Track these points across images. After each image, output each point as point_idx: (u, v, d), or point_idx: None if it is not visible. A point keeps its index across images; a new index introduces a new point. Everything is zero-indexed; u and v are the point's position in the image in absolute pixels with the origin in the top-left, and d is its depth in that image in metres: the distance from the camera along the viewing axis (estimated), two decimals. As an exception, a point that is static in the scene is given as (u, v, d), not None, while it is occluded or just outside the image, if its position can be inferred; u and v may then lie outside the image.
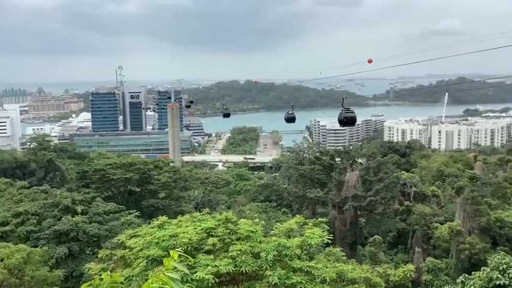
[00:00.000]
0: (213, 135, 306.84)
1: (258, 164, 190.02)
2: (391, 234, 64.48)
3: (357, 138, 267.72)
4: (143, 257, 17.90)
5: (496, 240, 61.80)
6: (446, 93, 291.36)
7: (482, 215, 61.96)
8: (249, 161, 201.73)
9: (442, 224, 60.79)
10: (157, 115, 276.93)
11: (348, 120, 19.70)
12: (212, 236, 18.79)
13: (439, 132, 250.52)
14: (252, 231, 18.84)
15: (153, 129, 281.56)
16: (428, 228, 61.59)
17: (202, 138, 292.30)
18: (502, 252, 19.94)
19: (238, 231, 19.20)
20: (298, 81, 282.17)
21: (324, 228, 20.51)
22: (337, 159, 74.62)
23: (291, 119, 29.02)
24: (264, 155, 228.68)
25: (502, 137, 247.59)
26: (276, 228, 20.82)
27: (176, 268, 3.28)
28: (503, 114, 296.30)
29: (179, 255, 3.58)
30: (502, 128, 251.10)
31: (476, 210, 61.90)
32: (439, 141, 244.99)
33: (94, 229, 44.69)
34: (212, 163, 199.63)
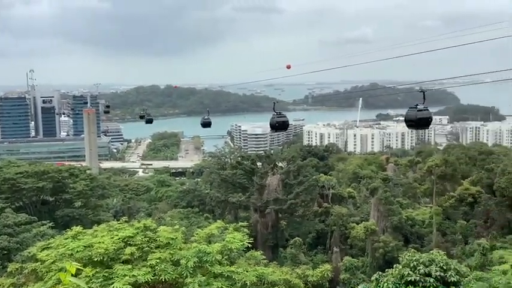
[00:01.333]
0: (133, 141, 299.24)
1: (180, 170, 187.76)
2: (310, 236, 66.13)
3: (278, 142, 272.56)
4: (56, 270, 17.00)
5: (407, 238, 65.44)
6: (360, 99, 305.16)
7: (395, 214, 65.36)
8: (170, 166, 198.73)
9: (358, 223, 63.33)
10: (72, 121, 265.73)
11: (280, 125, 19.28)
12: (130, 245, 18.23)
13: (355, 135, 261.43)
14: (172, 238, 18.53)
15: (67, 135, 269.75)
16: (346, 228, 63.91)
17: (121, 144, 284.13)
18: (413, 250, 21.12)
19: (158, 238, 18.81)
20: (219, 86, 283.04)
21: (245, 232, 20.58)
22: (259, 163, 75.39)
23: (206, 124, 28.84)
24: (186, 161, 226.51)
25: (411, 140, 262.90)
26: (197, 234, 20.62)
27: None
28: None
29: (95, 266, 3.39)
30: (412, 131, 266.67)
31: (389, 209, 65.19)
32: (355, 145, 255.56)
33: (3, 242, 42.08)
34: (132, 169, 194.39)
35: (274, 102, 19.92)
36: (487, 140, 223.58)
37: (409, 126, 15.96)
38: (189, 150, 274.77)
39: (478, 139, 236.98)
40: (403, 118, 15.79)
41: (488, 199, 66.85)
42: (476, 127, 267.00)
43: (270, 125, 19.48)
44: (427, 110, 15.07)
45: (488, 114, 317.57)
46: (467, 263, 39.48)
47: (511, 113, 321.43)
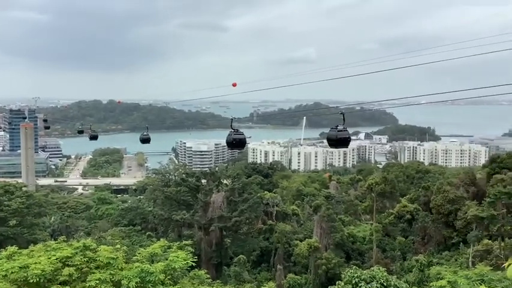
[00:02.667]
0: (73, 157, 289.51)
1: (122, 187, 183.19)
2: (255, 253, 66.06)
3: (223, 159, 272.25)
4: (-13, 293, 16.06)
5: (349, 255, 66.71)
6: (304, 117, 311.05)
7: (337, 231, 66.54)
8: (112, 183, 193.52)
9: (301, 241, 63.94)
10: (8, 135, 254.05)
11: (237, 143, 18.72)
12: (68, 265, 17.52)
13: (299, 153, 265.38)
14: (113, 258, 17.96)
15: (3, 150, 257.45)
16: (289, 245, 64.37)
17: (61, 160, 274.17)
18: (354, 267, 21.58)
19: (98, 258, 18.17)
20: (164, 102, 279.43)
21: (189, 250, 20.29)
22: (203, 180, 74.94)
23: (145, 140, 28.41)
24: (129, 177, 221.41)
25: (353, 158, 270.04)
26: (139, 253, 20.11)
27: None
28: (353, 137, 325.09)
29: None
30: (353, 150, 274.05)
31: (332, 226, 66.31)
32: (299, 162, 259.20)
33: None
34: (71, 187, 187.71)
35: (231, 119, 19.31)
36: (424, 159, 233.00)
37: (330, 145, 17.00)
38: (132, 167, 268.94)
39: (415, 158, 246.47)
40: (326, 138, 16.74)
41: (425, 216, 69.44)
42: (413, 146, 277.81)
43: (227, 142, 18.97)
44: (346, 130, 16.19)
45: (425, 134, 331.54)
46: (406, 279, 40.68)
47: (445, 134, 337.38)
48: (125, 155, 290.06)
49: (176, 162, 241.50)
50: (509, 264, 2.89)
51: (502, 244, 56.37)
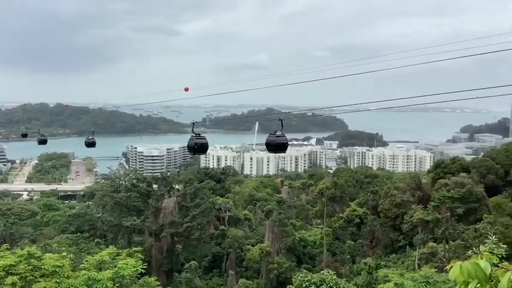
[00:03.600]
0: (18, 161, 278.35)
1: (70, 193, 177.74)
2: (206, 259, 65.70)
3: (175, 164, 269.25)
4: None
5: (300, 259, 67.47)
6: (257, 123, 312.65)
7: (289, 235, 67.20)
8: (58, 189, 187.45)
9: (253, 245, 64.13)
10: None
11: (198, 147, 18.03)
12: (12, 274, 16.85)
13: (251, 158, 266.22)
14: (59, 266, 17.42)
15: None
16: (241, 250, 64.38)
17: (5, 165, 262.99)
18: (305, 270, 21.85)
19: (43, 267, 17.58)
20: (114, 106, 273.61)
21: (139, 257, 19.96)
22: (155, 185, 73.89)
23: (90, 144, 27.72)
24: (77, 183, 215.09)
25: (304, 163, 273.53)
26: (87, 261, 19.60)
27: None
28: (305, 143, 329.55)
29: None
30: (305, 155, 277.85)
31: (283, 231, 66.89)
32: (251, 167, 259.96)
33: None
34: (16, 192, 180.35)
35: (193, 123, 18.83)
36: (372, 164, 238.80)
37: (269, 150, 17.51)
38: (80, 172, 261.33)
39: (364, 163, 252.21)
40: (265, 143, 17.01)
41: (374, 220, 71.25)
42: (362, 152, 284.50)
43: (189, 147, 18.35)
44: (284, 136, 16.66)
45: (373, 140, 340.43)
46: (355, 282, 41.51)
47: (393, 139, 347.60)
48: (72, 160, 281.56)
49: (127, 167, 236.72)
50: (452, 267, 3.00)
51: (447, 246, 58.56)
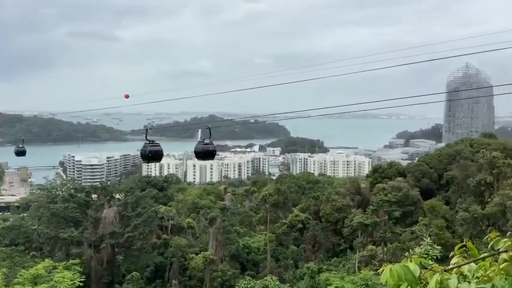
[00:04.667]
0: None
1: (3, 204, 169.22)
2: (149, 269, 64.46)
3: (115, 173, 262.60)
4: None
5: (244, 266, 67.56)
6: (200, 130, 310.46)
7: (232, 242, 67.15)
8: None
9: (197, 254, 63.60)
10: None
11: (153, 155, 17.28)
12: None
13: (194, 166, 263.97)
14: (-10, 283, 16.53)
15: None
16: (185, 259, 63.68)
17: None
18: (248, 277, 21.88)
19: (-28, 284, 16.62)
20: (50, 113, 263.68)
21: (77, 270, 19.29)
22: (94, 195, 71.82)
23: (20, 153, 26.57)
24: (10, 194, 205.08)
25: (248, 170, 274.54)
26: (21, 275, 18.71)
27: None
28: (248, 150, 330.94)
29: None
30: (248, 162, 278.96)
31: (227, 238, 66.78)
32: (194, 175, 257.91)
33: None
34: None
35: (146, 129, 18.22)
36: (314, 170, 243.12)
37: (197, 158, 17.84)
38: (15, 183, 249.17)
39: (306, 169, 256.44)
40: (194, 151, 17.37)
41: (316, 225, 72.56)
42: (304, 158, 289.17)
43: (142, 155, 17.55)
44: (212, 143, 17.11)
45: (315, 146, 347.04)
46: (298, 287, 42.06)
47: (333, 146, 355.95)
48: (6, 170, 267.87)
49: (64, 176, 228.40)
50: (383, 270, 3.10)
51: (385, 249, 60.53)
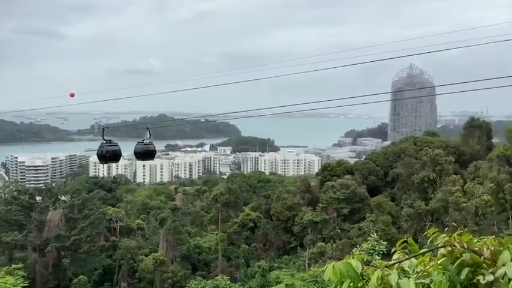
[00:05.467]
0: None
1: None
2: (96, 273, 63.02)
3: (61, 174, 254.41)
4: None
5: (195, 266, 67.18)
6: (149, 129, 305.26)
7: (183, 243, 66.62)
8: None
9: (147, 255, 62.70)
10: None
11: (110, 155, 16.38)
12: None
13: (144, 166, 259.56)
14: None
15: None
16: (134, 261, 62.64)
17: None
18: (199, 278, 21.79)
19: None
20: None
21: (20, 275, 18.57)
22: (38, 197, 69.47)
23: None
24: None
25: (199, 170, 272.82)
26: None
27: None
28: (199, 149, 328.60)
29: None
30: (199, 161, 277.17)
31: (178, 239, 66.20)
32: (144, 175, 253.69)
33: None
34: None
35: (103, 128, 17.33)
36: (265, 169, 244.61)
37: (137, 158, 17.88)
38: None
39: (257, 168, 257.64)
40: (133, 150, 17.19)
41: (267, 223, 73.12)
42: (255, 157, 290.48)
43: (99, 155, 16.64)
44: (152, 144, 17.01)
45: (266, 145, 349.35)
46: (249, 285, 42.27)
47: (284, 144, 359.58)
48: None
49: (6, 178, 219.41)
50: (327, 268, 3.16)
51: (334, 245, 61.81)
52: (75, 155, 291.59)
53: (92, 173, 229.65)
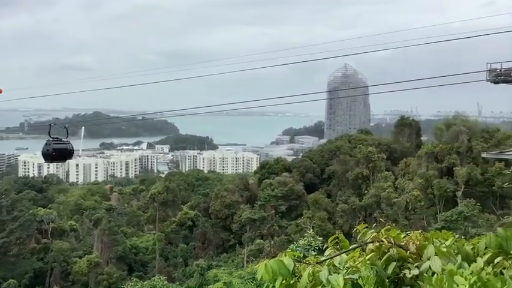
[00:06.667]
0: None
1: None
2: (27, 276, 60.50)
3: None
4: None
5: (132, 267, 65.88)
6: (83, 127, 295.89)
7: (119, 244, 65.14)
8: None
9: (81, 257, 60.89)
10: None
11: (57, 154, 15.35)
12: None
13: (77, 165, 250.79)
14: None
15: None
16: (67, 264, 60.64)
17: None
18: (135, 279, 21.39)
19: None
20: None
21: None
22: (-39, 199, 65.46)
23: None
24: None
25: (135, 169, 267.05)
26: None
27: None
28: (136, 147, 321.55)
29: None
30: (135, 160, 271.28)
31: (114, 240, 64.66)
32: (77, 175, 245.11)
33: None
34: None
35: (50, 125, 16.12)
36: (203, 167, 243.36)
37: (45, 160, 17.23)
38: None
39: (196, 166, 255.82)
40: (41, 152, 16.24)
41: (205, 222, 72.89)
42: (193, 155, 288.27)
43: (44, 154, 15.67)
44: (69, 143, 16.15)
45: (204, 143, 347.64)
46: (188, 285, 41.92)
47: (222, 142, 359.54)
48: None
49: None
50: (259, 266, 3.20)
51: (272, 242, 62.60)
52: (3, 154, 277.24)
53: (21, 173, 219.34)
